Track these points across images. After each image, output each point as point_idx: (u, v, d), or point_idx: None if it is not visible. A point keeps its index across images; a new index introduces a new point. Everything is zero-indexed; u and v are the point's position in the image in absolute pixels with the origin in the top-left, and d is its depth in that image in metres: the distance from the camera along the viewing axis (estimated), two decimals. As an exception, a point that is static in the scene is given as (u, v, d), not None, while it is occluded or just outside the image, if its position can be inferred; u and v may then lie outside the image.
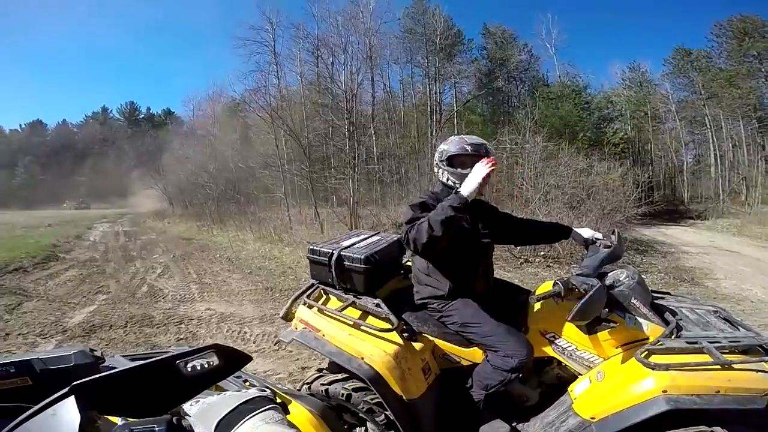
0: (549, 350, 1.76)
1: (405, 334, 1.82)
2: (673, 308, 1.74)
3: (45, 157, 50.73)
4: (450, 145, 1.85)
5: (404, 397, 1.71)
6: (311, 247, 2.15)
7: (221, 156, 21.02)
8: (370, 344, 1.78)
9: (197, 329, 4.66)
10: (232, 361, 0.72)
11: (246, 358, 0.75)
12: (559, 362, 1.77)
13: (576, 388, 1.64)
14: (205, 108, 27.32)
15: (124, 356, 1.30)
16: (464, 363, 1.85)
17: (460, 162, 1.82)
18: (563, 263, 6.72)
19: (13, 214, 29.49)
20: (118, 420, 0.60)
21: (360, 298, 1.95)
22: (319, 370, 2.04)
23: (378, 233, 2.37)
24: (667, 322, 1.62)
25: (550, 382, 1.82)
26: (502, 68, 25.99)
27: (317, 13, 19.36)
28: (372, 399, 1.78)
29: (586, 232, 1.99)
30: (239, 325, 4.76)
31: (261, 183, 18.84)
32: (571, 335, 1.71)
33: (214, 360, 0.69)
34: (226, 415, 0.55)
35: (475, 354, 1.82)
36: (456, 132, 20.43)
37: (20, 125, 55.02)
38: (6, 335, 4.46)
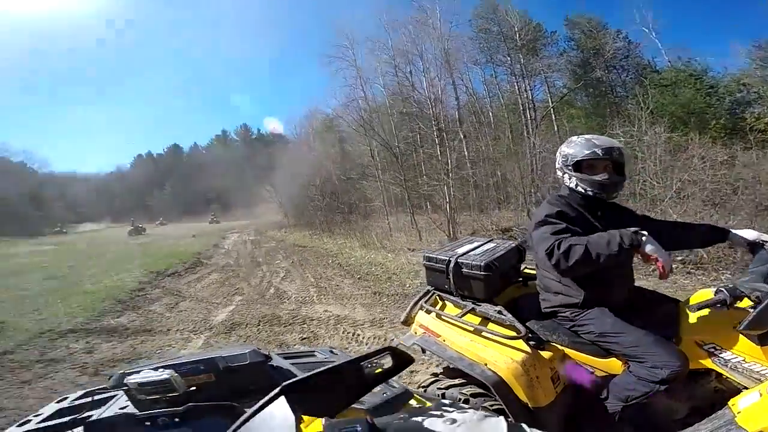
0: (707, 362, 1.57)
1: (531, 342, 1.78)
2: None
3: (184, 176, 60.81)
4: (576, 149, 1.75)
5: (530, 405, 1.68)
6: (427, 254, 2.22)
7: (324, 169, 22.78)
8: (494, 351, 1.79)
9: (317, 329, 5.10)
10: (401, 361, 0.76)
11: (411, 360, 0.79)
12: (718, 375, 1.57)
13: (741, 402, 1.44)
14: (304, 126, 29.86)
15: (279, 355, 1.40)
16: (598, 374, 1.74)
17: (589, 166, 1.72)
18: (709, 269, 5.67)
19: (161, 228, 36.11)
20: (318, 420, 0.62)
21: (479, 305, 1.96)
22: (434, 374, 2.08)
23: (492, 240, 2.36)
24: None
25: (704, 395, 1.63)
26: (597, 57, 23.26)
27: (387, 24, 19.68)
28: (491, 405, 1.78)
29: (750, 234, 1.71)
30: (353, 327, 5.08)
31: (361, 193, 19.88)
32: (739, 346, 1.51)
33: (390, 361, 0.75)
34: None
35: (611, 365, 1.70)
36: (556, 129, 18.94)
37: (163, 149, 66.43)
38: (167, 330, 5.40)
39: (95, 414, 0.95)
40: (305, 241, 16.86)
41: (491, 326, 1.88)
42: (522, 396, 1.68)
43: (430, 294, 2.24)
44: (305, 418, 0.63)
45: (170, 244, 18.22)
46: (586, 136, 1.78)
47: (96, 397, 1.12)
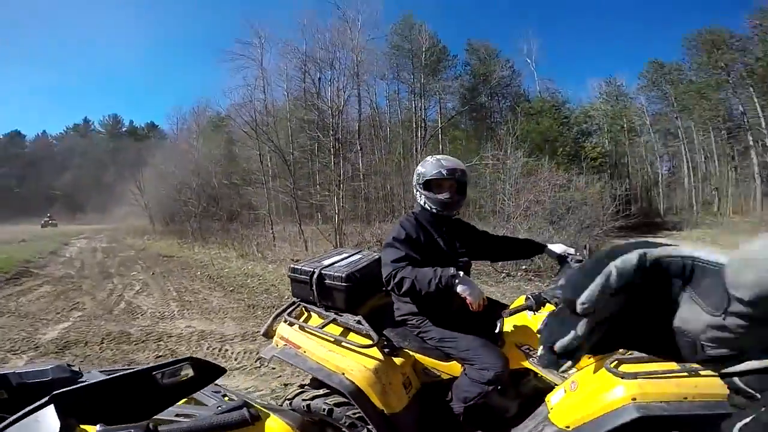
0: (525, 362, 1.80)
1: (386, 350, 1.84)
2: None
3: (22, 169, 49.21)
4: (426, 168, 1.90)
5: (385, 411, 1.72)
6: (292, 266, 2.19)
7: (204, 172, 20.80)
8: (351, 360, 1.80)
9: (177, 346, 4.56)
10: (207, 373, 0.74)
11: (220, 371, 0.77)
12: (536, 374, 1.81)
13: (552, 398, 1.67)
14: (189, 122, 27.05)
15: (101, 371, 1.29)
16: (444, 377, 1.88)
17: (437, 185, 1.88)
18: (544, 276, 6.82)
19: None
20: (97, 427, 0.61)
21: (341, 315, 1.97)
22: (301, 386, 2.04)
23: (360, 251, 2.40)
24: None
25: (529, 393, 1.85)
26: (485, 84, 26.72)
27: (305, 29, 19.45)
28: (354, 414, 1.79)
29: (558, 248, 2.04)
30: (220, 342, 4.67)
31: (244, 200, 18.67)
32: None
33: (189, 372, 0.72)
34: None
35: (454, 368, 1.84)
36: (440, 148, 20.80)
37: (-6, 135, 53.22)
38: None
39: None
40: (172, 251, 15.00)
41: (351, 336, 1.89)
42: (377, 403, 1.72)
43: (295, 306, 2.19)
44: (83, 426, 0.63)
45: (-14, 252, 14.29)
46: (437, 157, 1.94)
47: None
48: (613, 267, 0.58)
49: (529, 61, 28.33)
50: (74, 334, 4.92)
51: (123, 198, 32.14)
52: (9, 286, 7.86)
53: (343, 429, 1.82)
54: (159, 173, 24.89)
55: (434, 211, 1.89)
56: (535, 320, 1.73)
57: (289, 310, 2.16)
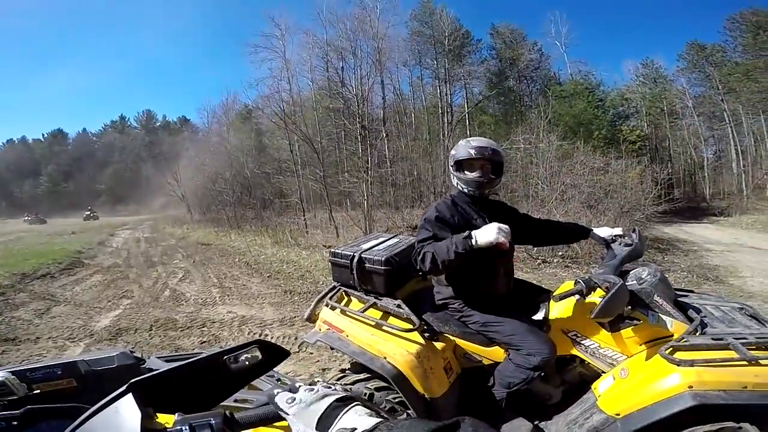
0: (572, 349, 1.77)
1: (426, 334, 1.85)
2: (697, 306, 1.72)
3: (68, 165, 52.40)
4: (458, 150, 1.88)
5: (426, 396, 1.73)
6: (332, 250, 2.21)
7: (236, 162, 21.43)
8: (393, 344, 1.82)
9: (219, 332, 4.76)
10: (274, 356, 0.74)
11: (285, 354, 0.77)
12: (582, 360, 1.77)
13: (600, 386, 1.64)
14: (219, 115, 27.79)
15: (159, 358, 1.34)
16: (486, 362, 1.87)
17: (468, 165, 1.86)
18: (582, 263, 6.61)
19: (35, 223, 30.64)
20: (174, 416, 0.61)
21: (381, 299, 1.98)
22: (342, 370, 2.08)
23: (396, 236, 2.41)
24: (691, 320, 1.61)
25: (573, 380, 1.82)
26: (512, 68, 25.85)
27: (325, 19, 19.42)
28: (394, 398, 1.81)
29: (604, 231, 1.98)
30: (260, 327, 4.84)
31: (276, 188, 19.11)
32: (594, 333, 1.71)
33: (258, 355, 0.72)
34: (323, 412, 0.58)
35: (496, 353, 1.83)
36: (468, 133, 20.38)
37: (42, 135, 56.81)
38: (36, 339, 4.62)
39: None
40: (210, 239, 15.60)
41: (391, 320, 1.91)
42: (419, 387, 1.73)
43: (336, 290, 2.22)
44: (160, 415, 0.63)
45: (42, 243, 15.42)
46: (469, 139, 1.91)
47: None
48: None
49: (558, 44, 27.10)
50: (125, 322, 5.20)
51: (161, 189, 33.70)
52: (64, 276, 8.44)
53: (383, 414, 1.84)
54: (194, 165, 25.85)
55: (468, 191, 1.87)
56: (584, 305, 1.68)
57: (330, 295, 2.20)
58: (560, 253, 6.81)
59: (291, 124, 16.52)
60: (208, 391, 0.72)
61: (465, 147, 1.85)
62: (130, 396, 0.62)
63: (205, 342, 4.51)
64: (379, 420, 0.55)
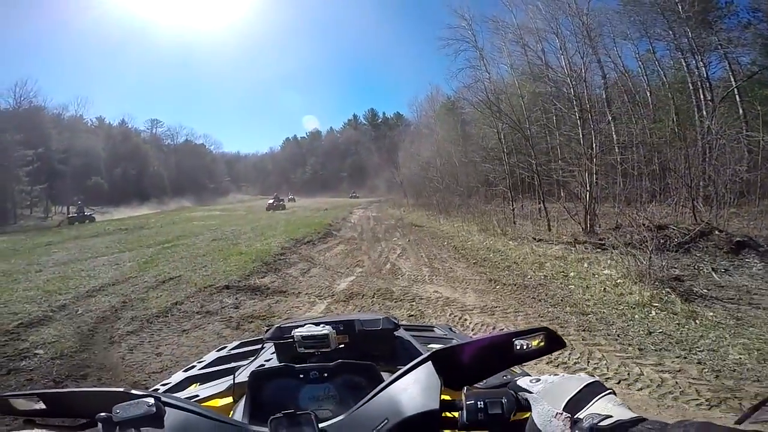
0: None
1: None
2: None
3: (322, 156, 67.97)
4: None
5: None
6: None
7: (444, 151, 22.73)
8: None
9: (425, 308, 5.21)
10: (552, 344, 0.72)
11: (562, 344, 0.74)
12: None
13: None
14: (426, 108, 29.89)
15: (402, 326, 1.39)
16: None
17: None
18: None
19: (302, 201, 41.25)
20: (464, 390, 0.64)
21: None
22: None
23: None
24: None
25: None
26: None
27: (510, 3, 17.94)
28: None
29: None
30: (461, 311, 5.05)
31: (482, 176, 19.19)
32: None
33: (542, 343, 0.70)
34: (574, 395, 0.56)
35: None
36: (741, 112, 14.91)
37: (306, 133, 75.58)
38: (298, 293, 6.06)
39: (252, 365, 1.03)
40: (422, 221, 17.22)
41: None
42: None
43: None
44: (445, 388, 0.65)
45: (306, 216, 20.67)
46: None
47: (247, 348, 1.29)
48: None
49: None
50: (356, 287, 6.30)
51: (384, 176, 39.84)
52: (320, 243, 11.04)
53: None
54: (409, 154, 29.01)
55: None
56: None
57: None
58: None
59: (497, 111, 16.12)
60: (485, 369, 0.73)
61: None
62: (429, 364, 0.66)
63: (412, 315, 4.99)
64: (637, 416, 0.49)
